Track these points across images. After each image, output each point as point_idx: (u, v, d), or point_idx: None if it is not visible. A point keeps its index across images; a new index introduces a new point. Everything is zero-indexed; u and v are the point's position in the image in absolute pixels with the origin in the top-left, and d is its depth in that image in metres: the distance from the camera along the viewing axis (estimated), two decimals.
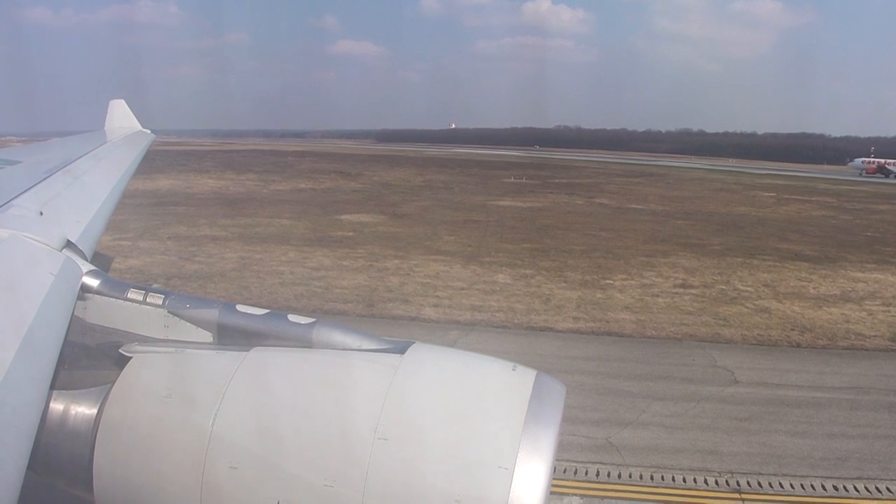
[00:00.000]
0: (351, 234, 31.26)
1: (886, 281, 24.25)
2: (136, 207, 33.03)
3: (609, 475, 10.31)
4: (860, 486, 10.16)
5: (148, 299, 3.26)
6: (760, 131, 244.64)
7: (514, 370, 2.94)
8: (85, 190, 6.24)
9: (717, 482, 10.20)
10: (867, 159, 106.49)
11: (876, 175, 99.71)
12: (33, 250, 3.40)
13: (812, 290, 22.43)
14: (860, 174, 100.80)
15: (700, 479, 10.24)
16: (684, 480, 10.23)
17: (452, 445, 2.63)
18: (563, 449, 3.17)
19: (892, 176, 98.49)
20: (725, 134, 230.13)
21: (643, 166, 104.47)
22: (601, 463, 10.61)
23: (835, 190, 67.95)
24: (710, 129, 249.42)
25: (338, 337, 3.08)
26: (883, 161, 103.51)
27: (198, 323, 3.21)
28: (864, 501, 9.88)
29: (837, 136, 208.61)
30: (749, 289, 22.36)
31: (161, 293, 3.30)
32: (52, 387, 2.79)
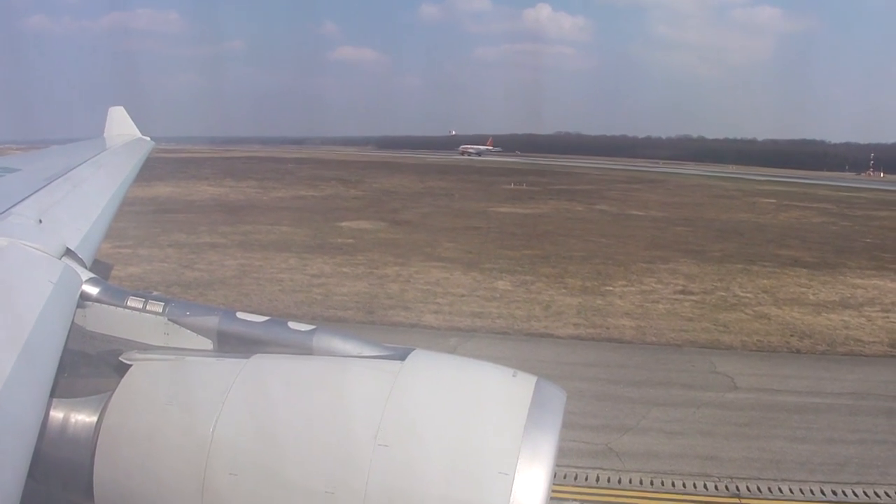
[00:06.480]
0: (351, 241, 31.27)
1: (885, 287, 24.28)
2: (135, 215, 33.02)
3: (609, 480, 10.31)
4: (859, 491, 10.16)
5: (148, 307, 3.26)
6: (760, 137, 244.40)
7: (514, 376, 2.93)
8: (84, 197, 6.23)
9: (716, 487, 10.20)
10: (463, 146, 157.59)
11: (463, 156, 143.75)
12: (32, 258, 3.40)
13: (811, 297, 22.45)
14: (462, 155, 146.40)
15: (700, 485, 10.25)
16: (684, 485, 10.23)
17: (453, 451, 2.62)
18: (563, 455, 3.17)
19: (474, 155, 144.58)
20: (725, 140, 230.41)
21: (643, 172, 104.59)
22: (601, 468, 10.61)
23: (835, 196, 67.97)
24: (709, 136, 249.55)
25: (338, 344, 3.07)
26: (466, 147, 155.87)
27: (198, 330, 3.20)
28: None
29: (837, 142, 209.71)
30: (749, 295, 22.36)
31: (161, 301, 3.29)
32: (52, 395, 2.79)
